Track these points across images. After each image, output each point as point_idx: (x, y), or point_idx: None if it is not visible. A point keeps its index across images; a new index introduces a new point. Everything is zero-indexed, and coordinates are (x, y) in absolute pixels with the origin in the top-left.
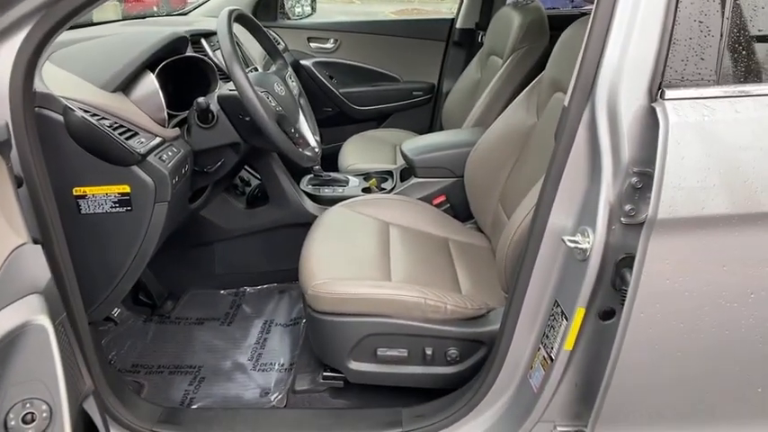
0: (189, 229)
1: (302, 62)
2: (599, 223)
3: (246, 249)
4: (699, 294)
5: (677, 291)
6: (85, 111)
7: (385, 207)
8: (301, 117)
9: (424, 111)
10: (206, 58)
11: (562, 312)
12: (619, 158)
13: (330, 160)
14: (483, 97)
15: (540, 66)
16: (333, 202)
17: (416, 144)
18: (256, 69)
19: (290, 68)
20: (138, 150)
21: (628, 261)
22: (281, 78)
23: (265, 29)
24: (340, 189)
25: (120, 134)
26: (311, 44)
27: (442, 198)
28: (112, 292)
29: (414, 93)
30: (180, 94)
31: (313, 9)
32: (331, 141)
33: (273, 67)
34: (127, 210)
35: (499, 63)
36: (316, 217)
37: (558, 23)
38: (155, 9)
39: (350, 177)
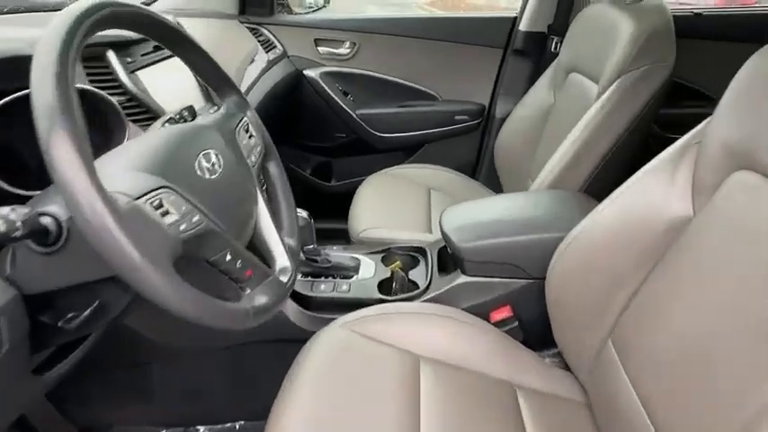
0: (112, 345)
1: (307, 73)
2: None
3: (199, 371)
4: None
5: None
6: None
7: (413, 326)
8: (261, 213)
9: (471, 142)
10: (97, 91)
11: None
12: None
13: (341, 202)
14: (570, 142)
15: (667, 96)
16: (332, 306)
17: (465, 218)
18: (190, 117)
19: (247, 112)
20: None
21: None
22: (228, 133)
23: (259, 26)
24: (344, 285)
25: None
26: (320, 48)
27: (507, 311)
28: None
29: (457, 117)
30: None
31: (326, 0)
32: (344, 177)
33: (214, 113)
34: None
35: (589, 87)
36: (303, 331)
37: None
38: None
39: (361, 258)
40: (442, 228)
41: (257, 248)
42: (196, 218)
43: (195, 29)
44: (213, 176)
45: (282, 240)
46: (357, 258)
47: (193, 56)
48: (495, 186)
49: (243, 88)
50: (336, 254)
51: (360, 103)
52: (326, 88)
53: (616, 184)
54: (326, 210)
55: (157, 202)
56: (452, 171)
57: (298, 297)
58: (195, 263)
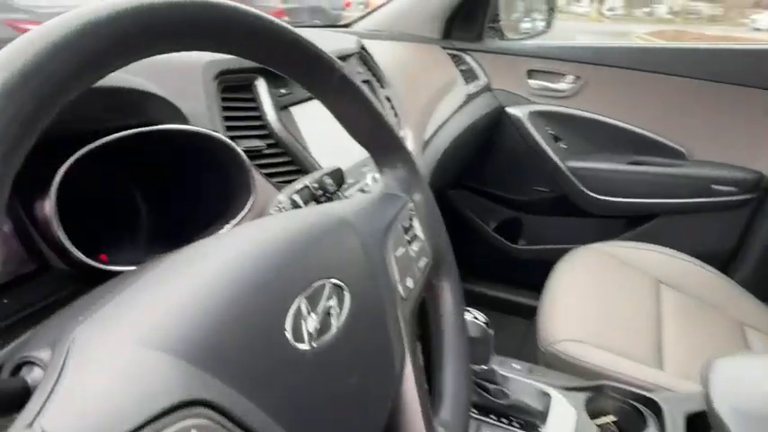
0: None
1: (510, 111)
2: None
3: None
4: None
5: None
6: None
7: None
8: (407, 383)
9: (730, 223)
10: (213, 134)
11: None
12: None
13: (528, 270)
14: None
15: None
16: None
17: (758, 393)
18: (334, 186)
19: (415, 195)
20: None
21: None
22: (375, 236)
23: (462, 53)
24: None
25: None
26: (532, 82)
27: None
28: None
29: (714, 187)
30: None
31: (548, 24)
32: (536, 240)
33: (372, 184)
34: None
35: None
36: None
37: None
38: None
39: (553, 396)
40: (711, 402)
41: None
42: None
43: (387, 52)
44: (320, 343)
45: None
46: (547, 395)
47: (339, 98)
48: (763, 294)
49: (433, 125)
50: (518, 379)
51: (574, 152)
52: (532, 131)
53: None
54: (508, 276)
55: None
56: (693, 260)
57: None
58: None
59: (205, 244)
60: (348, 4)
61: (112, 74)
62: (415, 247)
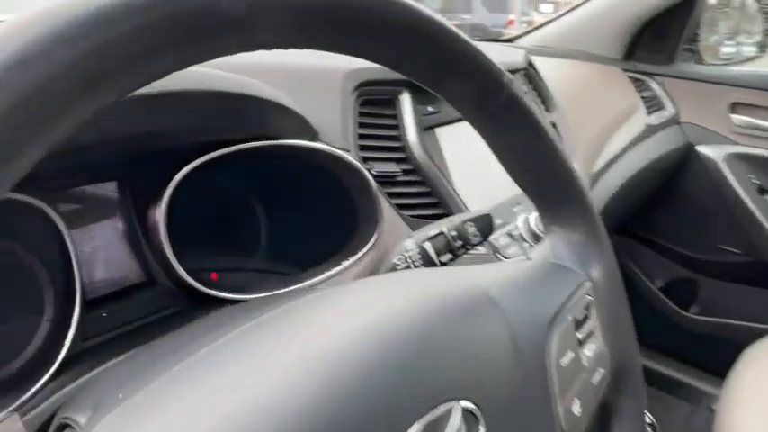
0: None
1: (701, 150)
2: None
3: None
4: None
5: None
6: None
7: None
8: None
9: None
10: (342, 156)
11: None
12: None
13: (699, 345)
14: None
15: None
16: None
17: None
18: (479, 237)
19: (593, 271)
20: None
21: None
22: (532, 331)
23: (647, 77)
24: None
25: None
26: (736, 117)
27: None
28: None
29: None
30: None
31: (762, 49)
32: (713, 311)
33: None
34: None
35: None
36: None
37: None
38: None
39: None
40: None
41: None
42: None
43: (555, 70)
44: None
45: None
46: None
47: (501, 123)
48: None
49: (604, 158)
50: None
51: None
52: (730, 177)
53: None
54: (673, 348)
55: None
56: None
57: None
58: None
59: (303, 314)
60: (511, 22)
61: (229, 78)
62: (588, 351)
